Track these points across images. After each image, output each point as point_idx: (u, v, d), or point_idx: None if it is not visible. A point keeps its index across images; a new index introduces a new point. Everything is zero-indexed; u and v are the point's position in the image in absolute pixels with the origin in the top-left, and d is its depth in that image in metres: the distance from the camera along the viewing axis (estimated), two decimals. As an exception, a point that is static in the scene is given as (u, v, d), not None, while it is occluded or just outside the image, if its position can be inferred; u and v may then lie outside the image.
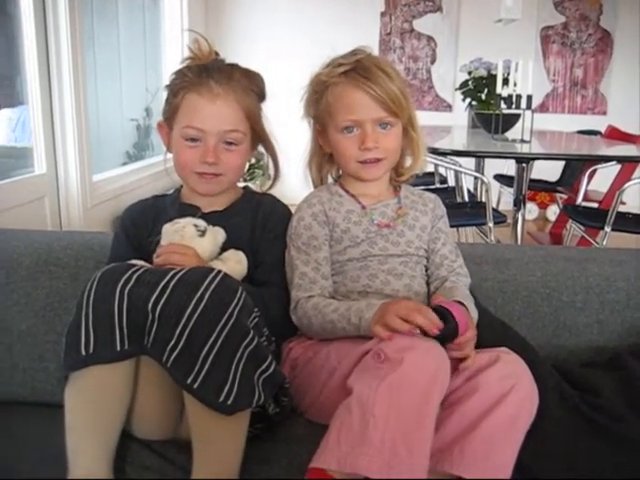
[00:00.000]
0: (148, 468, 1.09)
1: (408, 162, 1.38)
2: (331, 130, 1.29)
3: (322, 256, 1.27)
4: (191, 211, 1.29)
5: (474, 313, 1.23)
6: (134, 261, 1.15)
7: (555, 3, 5.51)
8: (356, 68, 1.23)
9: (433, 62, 5.64)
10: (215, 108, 1.26)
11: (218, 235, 1.25)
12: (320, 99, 1.28)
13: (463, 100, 3.95)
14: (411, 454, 0.93)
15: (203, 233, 1.22)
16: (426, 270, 1.34)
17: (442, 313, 1.06)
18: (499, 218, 2.81)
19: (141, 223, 1.33)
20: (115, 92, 4.02)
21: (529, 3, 5.14)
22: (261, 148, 1.40)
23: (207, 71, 1.27)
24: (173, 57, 4.50)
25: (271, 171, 1.42)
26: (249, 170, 4.91)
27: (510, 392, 1.02)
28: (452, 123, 4.99)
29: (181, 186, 1.39)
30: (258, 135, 1.35)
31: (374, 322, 1.07)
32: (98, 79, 3.59)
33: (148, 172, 3.87)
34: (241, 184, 1.45)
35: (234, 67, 1.32)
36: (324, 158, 1.37)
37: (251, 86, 1.31)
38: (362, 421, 0.94)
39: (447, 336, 1.04)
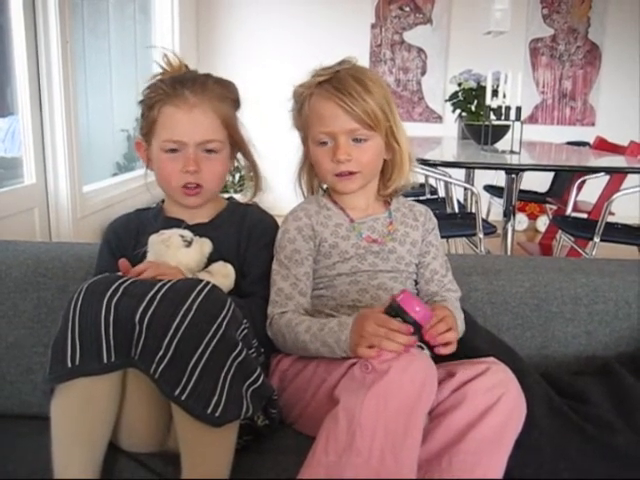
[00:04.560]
0: (135, 481, 1.08)
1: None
2: (309, 142, 1.29)
3: (303, 271, 1.26)
4: (176, 224, 1.29)
5: (461, 325, 1.23)
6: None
7: (544, 15, 5.56)
8: (331, 80, 1.23)
9: (423, 74, 5.67)
10: (192, 118, 1.26)
11: (204, 246, 1.25)
12: (301, 110, 1.28)
13: (453, 111, 3.97)
14: (399, 463, 0.92)
15: (189, 243, 1.22)
16: (416, 284, 1.33)
17: (398, 308, 1.04)
18: (489, 229, 2.81)
19: (125, 237, 1.32)
20: (106, 103, 4.01)
21: (518, 15, 5.19)
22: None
23: (181, 82, 1.27)
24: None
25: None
26: (239, 181, 4.91)
27: (498, 402, 1.02)
28: (442, 134, 5.01)
29: (163, 200, 1.39)
30: (236, 142, 1.35)
31: (355, 344, 1.06)
32: (89, 89, 3.58)
33: (138, 183, 3.84)
34: (228, 195, 1.45)
35: (207, 76, 1.32)
36: (312, 168, 1.36)
37: (226, 93, 1.31)
38: (349, 431, 0.93)
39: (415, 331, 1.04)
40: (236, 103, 1.35)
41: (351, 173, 1.26)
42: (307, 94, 1.26)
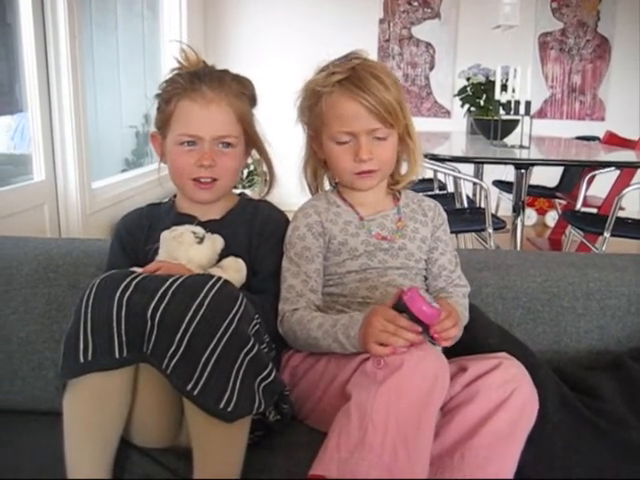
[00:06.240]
0: (147, 476, 1.08)
1: (404, 169, 1.35)
2: (325, 138, 1.27)
3: (313, 268, 1.26)
4: (188, 221, 1.29)
5: (464, 319, 1.24)
6: (134, 268, 1.14)
7: (553, 9, 5.53)
8: (350, 77, 1.20)
9: (432, 68, 5.65)
10: (208, 113, 1.26)
11: (216, 242, 1.25)
12: (314, 106, 1.26)
13: (462, 106, 3.95)
14: (411, 459, 0.92)
15: (201, 240, 1.22)
16: (425, 279, 1.33)
17: (405, 307, 1.03)
18: (498, 224, 2.80)
19: (136, 232, 1.32)
20: (114, 99, 4.02)
21: (527, 9, 5.16)
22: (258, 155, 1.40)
23: (199, 77, 1.28)
24: (172, 64, 4.50)
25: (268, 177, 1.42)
26: (248, 177, 4.92)
27: (510, 397, 1.01)
28: (451, 129, 4.99)
29: (175, 195, 1.39)
30: (251, 139, 1.35)
31: (364, 341, 1.05)
32: (97, 86, 3.59)
33: (147, 179, 3.86)
34: (239, 190, 1.44)
35: (225, 72, 1.33)
36: (319, 163, 1.35)
37: (242, 90, 1.31)
38: (361, 427, 0.93)
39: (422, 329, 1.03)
40: (252, 100, 1.34)
41: (372, 171, 1.25)
42: (324, 92, 1.23)
